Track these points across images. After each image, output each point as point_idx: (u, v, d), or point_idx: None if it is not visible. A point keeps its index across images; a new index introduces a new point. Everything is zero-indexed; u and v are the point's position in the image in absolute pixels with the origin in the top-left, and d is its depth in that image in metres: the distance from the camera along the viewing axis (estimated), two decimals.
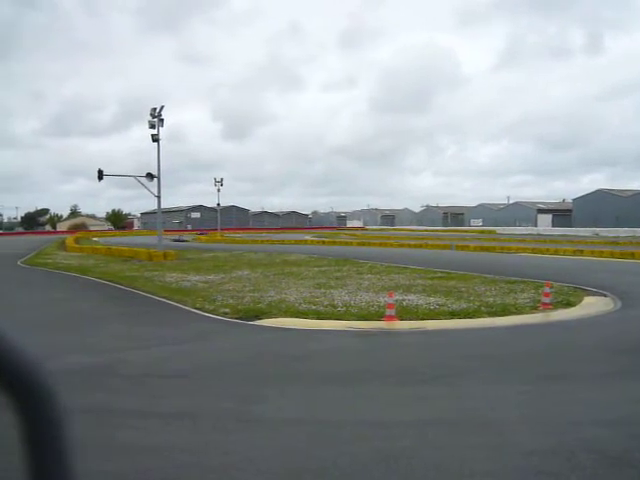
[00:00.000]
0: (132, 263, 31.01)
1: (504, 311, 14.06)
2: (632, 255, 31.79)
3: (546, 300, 14.77)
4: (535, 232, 73.43)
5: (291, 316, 13.63)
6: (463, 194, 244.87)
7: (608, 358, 9.48)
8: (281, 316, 13.62)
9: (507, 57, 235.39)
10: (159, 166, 34.52)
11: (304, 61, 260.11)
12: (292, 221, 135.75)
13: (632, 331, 12.02)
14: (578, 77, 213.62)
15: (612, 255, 31.88)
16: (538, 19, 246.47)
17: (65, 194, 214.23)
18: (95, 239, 72.16)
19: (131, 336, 11.81)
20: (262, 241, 58.67)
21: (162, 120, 34.33)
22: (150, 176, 34.15)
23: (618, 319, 13.44)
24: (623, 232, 61.07)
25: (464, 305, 14.75)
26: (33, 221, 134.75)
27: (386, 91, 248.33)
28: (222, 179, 77.44)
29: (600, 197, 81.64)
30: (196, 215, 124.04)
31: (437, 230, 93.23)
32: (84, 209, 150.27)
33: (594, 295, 17.03)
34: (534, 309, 14.45)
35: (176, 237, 64.98)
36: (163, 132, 34.10)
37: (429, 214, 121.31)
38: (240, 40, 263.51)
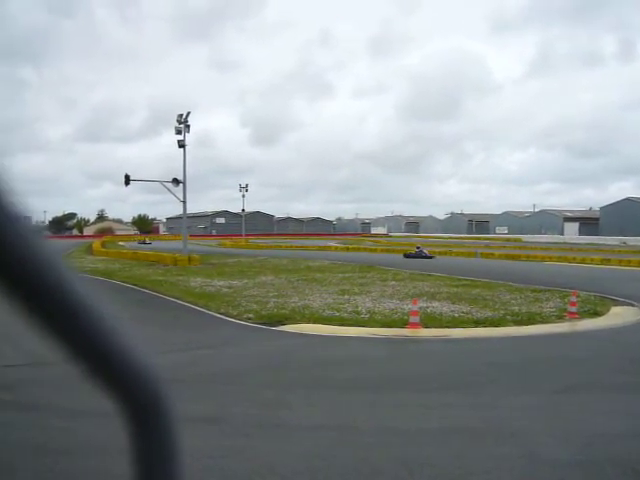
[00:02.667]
0: (157, 267, 31.32)
1: (530, 320, 13.90)
2: None
3: (572, 309, 14.57)
4: (561, 240, 72.58)
5: (315, 322, 13.64)
6: (489, 202, 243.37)
7: (635, 369, 9.35)
8: (304, 322, 13.64)
9: (537, 65, 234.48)
10: (185, 171, 34.83)
11: (333, 68, 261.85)
12: (316, 227, 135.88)
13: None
14: (608, 84, 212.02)
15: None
16: (569, 27, 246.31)
17: (93, 199, 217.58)
18: (121, 243, 72.91)
19: (156, 340, 11.90)
20: (286, 247, 58.83)
21: (188, 126, 34.63)
22: (176, 181, 34.44)
23: None
24: None
25: (489, 313, 14.62)
26: (61, 225, 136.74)
27: (414, 98, 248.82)
28: (247, 185, 77.78)
29: (628, 206, 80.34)
30: (221, 220, 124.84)
31: (462, 237, 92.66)
32: (111, 214, 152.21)
33: (622, 305, 16.76)
34: (560, 318, 14.26)
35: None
36: (190, 138, 34.51)
37: (454, 221, 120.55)
38: (271, 48, 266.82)
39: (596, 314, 15.01)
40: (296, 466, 5.21)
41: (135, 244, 61.80)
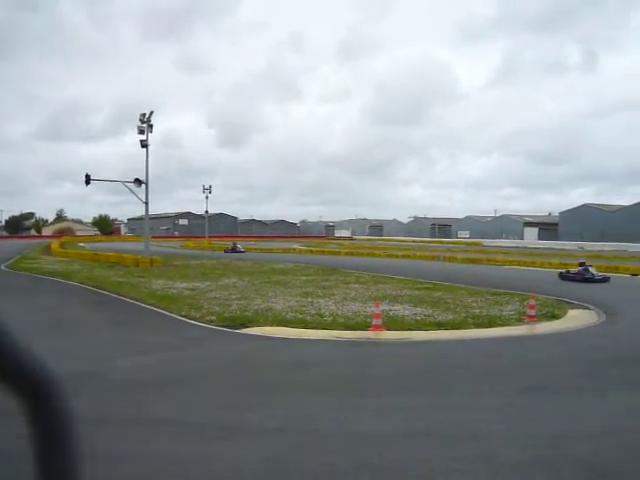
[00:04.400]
0: (118, 269, 30.84)
1: (490, 323, 14.12)
2: (616, 269, 32.14)
3: (531, 312, 14.84)
4: (521, 245, 73.68)
5: (278, 325, 13.60)
6: (452, 206, 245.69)
7: (591, 371, 9.56)
8: (268, 325, 13.59)
9: (503, 73, 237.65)
10: (147, 172, 34.41)
11: (302, 71, 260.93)
12: (281, 229, 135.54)
13: (614, 344, 12.13)
14: (571, 94, 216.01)
15: (597, 269, 32.10)
16: (535, 36, 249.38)
17: (53, 198, 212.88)
18: (81, 244, 71.60)
19: (117, 343, 11.74)
20: (250, 249, 58.52)
21: (151, 126, 34.19)
22: (138, 182, 33.99)
23: (601, 332, 13.53)
24: (608, 246, 61.38)
25: (450, 316, 14.79)
26: (18, 225, 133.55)
27: (382, 103, 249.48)
28: (210, 186, 77.39)
29: (586, 211, 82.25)
30: (184, 222, 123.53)
31: (424, 241, 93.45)
32: (72, 214, 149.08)
33: (578, 308, 17.14)
34: (519, 321, 14.52)
35: (232, 245, 56.38)
36: (156, 138, 34.15)
37: (417, 225, 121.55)
38: (240, 49, 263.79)
39: (554, 317, 15.32)
40: (258, 469, 5.19)
41: (219, 253, 51.17)
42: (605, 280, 25.47)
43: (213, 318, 14.29)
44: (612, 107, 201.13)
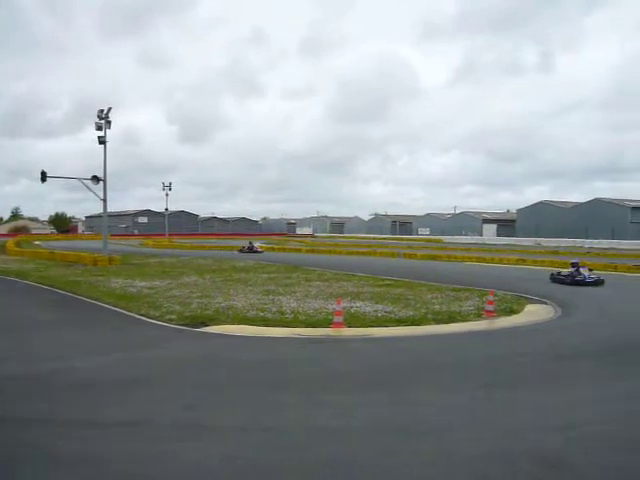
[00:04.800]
0: (75, 268, 30.23)
1: (450, 319, 14.26)
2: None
3: (490, 308, 15.07)
4: (480, 241, 74.79)
5: (239, 323, 13.51)
6: (413, 203, 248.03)
7: (550, 364, 9.76)
8: (228, 323, 13.48)
9: (463, 71, 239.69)
10: (105, 169, 33.78)
11: (264, 68, 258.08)
12: (242, 227, 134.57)
13: (572, 338, 12.41)
14: (529, 93, 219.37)
15: (553, 264, 32.74)
16: (495, 36, 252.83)
17: (7, 196, 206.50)
18: (37, 242, 70.00)
19: (73, 343, 11.51)
20: (211, 247, 58.04)
21: (109, 122, 33.56)
22: (96, 179, 33.32)
23: (558, 326, 13.84)
24: (564, 242, 62.71)
25: (411, 312, 14.90)
26: None
27: (343, 100, 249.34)
28: (170, 183, 76.60)
29: (542, 208, 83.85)
30: (143, 220, 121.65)
31: (385, 238, 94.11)
32: (28, 212, 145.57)
33: (536, 303, 17.48)
34: (479, 316, 14.72)
35: (248, 244, 49.11)
36: (116, 134, 33.62)
37: (378, 222, 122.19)
38: (202, 45, 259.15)
39: (512, 312, 15.59)
40: (220, 468, 5.14)
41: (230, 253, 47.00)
42: (599, 282, 22.93)
43: (173, 317, 14.11)
44: (568, 106, 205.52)
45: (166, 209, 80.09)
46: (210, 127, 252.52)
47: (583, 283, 22.79)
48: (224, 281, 22.90)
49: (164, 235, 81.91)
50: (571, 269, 23.95)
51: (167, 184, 76.22)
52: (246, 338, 12.06)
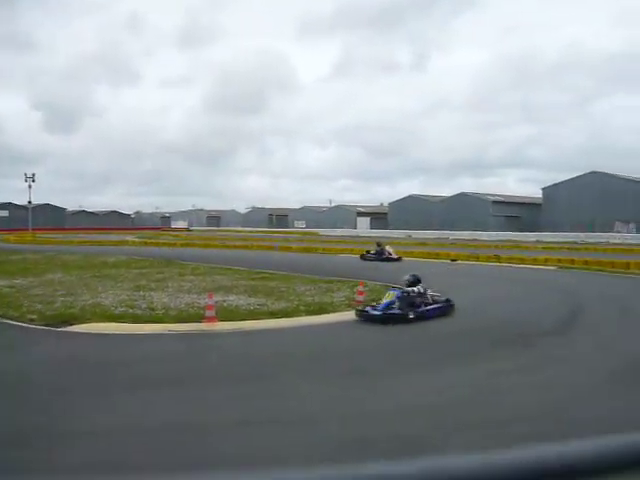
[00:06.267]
0: None
1: (321, 310, 14.58)
2: (437, 255, 34.58)
3: (360, 298, 15.54)
4: (354, 234, 76.89)
5: (107, 321, 13.01)
6: (290, 196, 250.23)
7: (413, 350, 10.27)
8: (95, 321, 12.95)
9: (341, 67, 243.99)
10: None
11: (140, 56, 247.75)
12: (113, 221, 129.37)
13: (439, 324, 13.06)
14: (403, 91, 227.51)
15: (421, 255, 34.40)
16: (371, 34, 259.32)
17: None
18: None
19: None
20: (79, 242, 55.37)
21: None
22: None
23: None
24: (431, 234, 65.95)
25: (284, 305, 15.07)
26: None
27: (221, 92, 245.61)
28: (34, 174, 72.68)
29: (412, 202, 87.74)
30: (4, 214, 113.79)
31: (262, 231, 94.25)
32: None
33: None
34: (349, 307, 15.13)
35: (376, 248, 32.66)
36: None
37: (255, 215, 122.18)
38: (73, 29, 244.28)
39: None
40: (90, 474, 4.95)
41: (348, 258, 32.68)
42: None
43: (34, 317, 13.31)
44: (438, 105, 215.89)
45: (29, 202, 75.55)
46: (80, 115, 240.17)
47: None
48: (92, 277, 21.93)
49: (27, 230, 77.17)
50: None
51: (30, 175, 71.97)
52: (113, 336, 11.69)
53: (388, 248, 32.08)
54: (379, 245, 32.39)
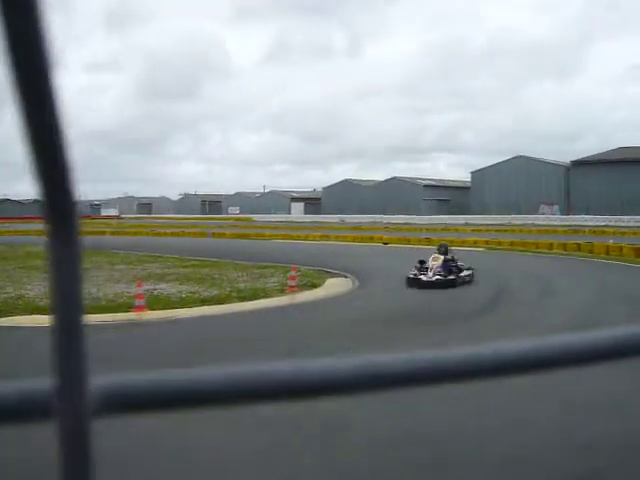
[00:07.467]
0: None
1: (254, 296, 14.58)
2: (371, 239, 35.07)
3: (292, 283, 15.59)
4: (288, 219, 76.85)
5: (32, 313, 12.58)
6: (225, 183, 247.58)
7: (345, 331, 10.37)
8: (18, 314, 12.52)
9: (276, 52, 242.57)
10: None
11: (65, 38, 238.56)
12: (37, 210, 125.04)
13: (366, 306, 13.29)
14: (338, 76, 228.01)
15: (354, 240, 34.76)
16: (307, 20, 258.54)
17: None
18: None
19: None
20: (4, 232, 53.19)
21: None
22: None
23: (355, 297, 14.79)
24: (365, 218, 66.67)
25: (216, 292, 14.99)
26: None
27: (153, 76, 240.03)
28: None
29: (346, 187, 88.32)
30: None
31: (195, 218, 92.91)
32: None
33: (337, 277, 18.46)
34: (282, 292, 15.19)
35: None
36: None
37: (187, 202, 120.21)
38: None
39: (314, 286, 16.33)
40: None
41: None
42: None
43: None
44: (372, 91, 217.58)
45: None
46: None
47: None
48: (17, 269, 21.14)
49: None
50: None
51: None
52: (37, 329, 11.29)
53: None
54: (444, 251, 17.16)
